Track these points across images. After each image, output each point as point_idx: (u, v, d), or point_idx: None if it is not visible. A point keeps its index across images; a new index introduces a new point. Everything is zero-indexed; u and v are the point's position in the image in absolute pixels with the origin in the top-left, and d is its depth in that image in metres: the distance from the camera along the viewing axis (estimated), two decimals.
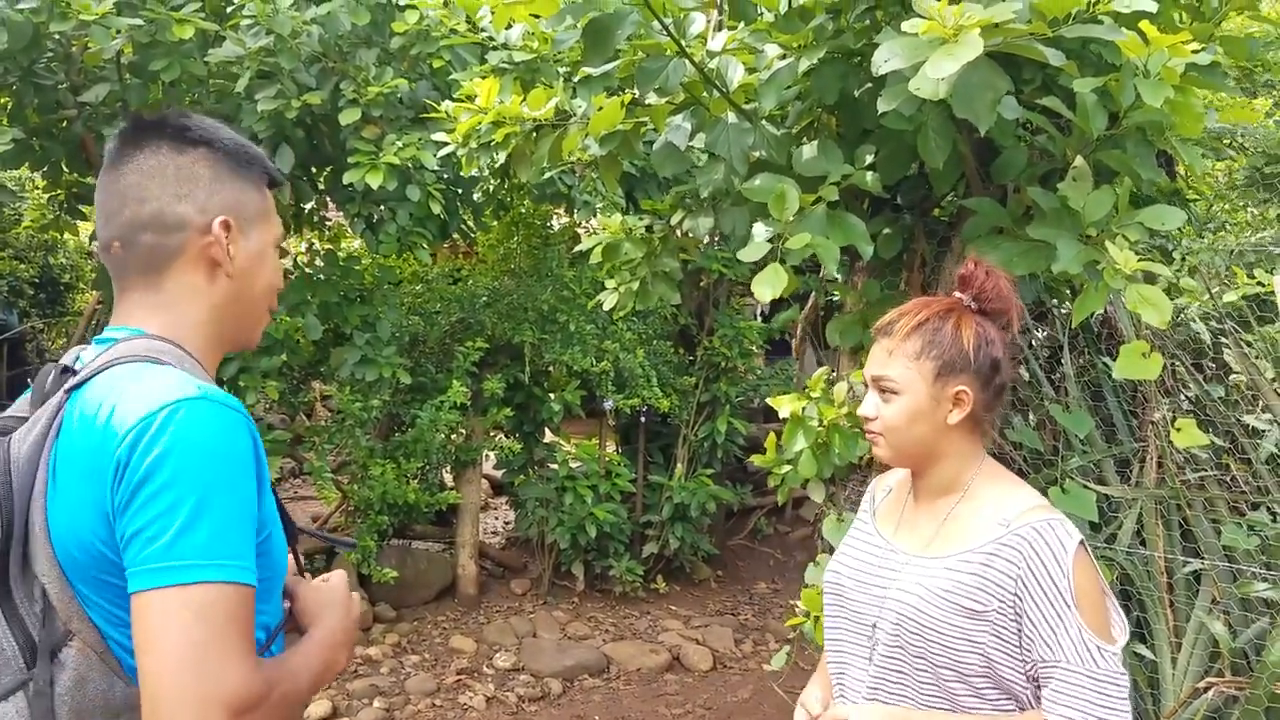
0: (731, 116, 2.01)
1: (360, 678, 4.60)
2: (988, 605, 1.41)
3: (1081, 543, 1.43)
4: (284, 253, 1.43)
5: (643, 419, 6.00)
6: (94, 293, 6.91)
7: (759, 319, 7.90)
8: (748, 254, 1.85)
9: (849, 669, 1.59)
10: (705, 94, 2.14)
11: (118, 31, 3.63)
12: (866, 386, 1.59)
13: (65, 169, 4.69)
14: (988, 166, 2.13)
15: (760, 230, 1.88)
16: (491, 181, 5.68)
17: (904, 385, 1.50)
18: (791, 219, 1.84)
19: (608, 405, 5.74)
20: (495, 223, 5.98)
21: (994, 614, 1.41)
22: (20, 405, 1.23)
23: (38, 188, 5.82)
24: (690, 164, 2.22)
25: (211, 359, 1.29)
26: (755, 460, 2.47)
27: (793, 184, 1.85)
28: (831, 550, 2.46)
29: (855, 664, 1.58)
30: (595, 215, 5.29)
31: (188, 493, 1.03)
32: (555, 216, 6.43)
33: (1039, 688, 1.42)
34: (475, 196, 5.39)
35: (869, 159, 1.89)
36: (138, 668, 1.02)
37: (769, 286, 1.79)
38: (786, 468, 2.37)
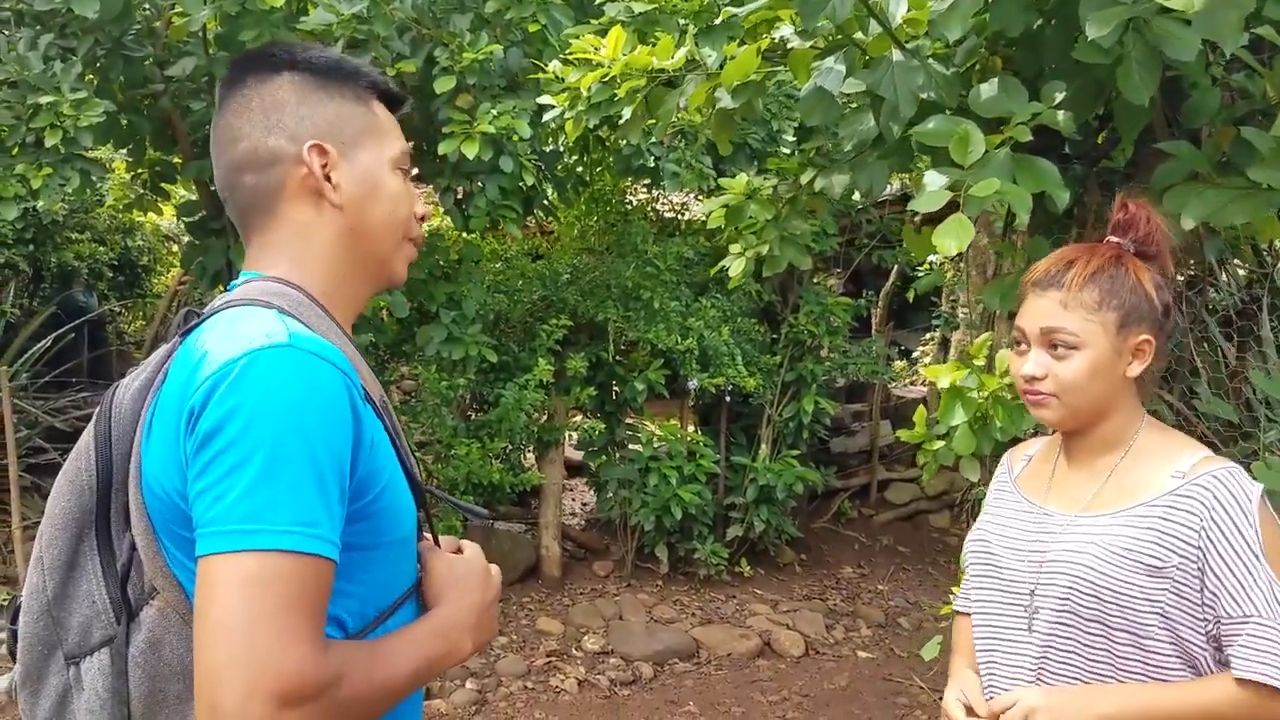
0: (897, 55, 1.84)
1: None
2: (1168, 561, 1.31)
3: (1263, 493, 1.31)
4: (411, 174, 1.24)
5: (726, 399, 5.83)
6: (174, 272, 6.94)
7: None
8: (923, 204, 1.68)
9: (1001, 643, 1.48)
10: (860, 34, 1.97)
11: (206, 1, 3.55)
12: (1021, 344, 1.45)
13: (149, 147, 4.64)
14: (1175, 110, 1.94)
15: (934, 179, 1.70)
16: (570, 156, 5.54)
17: (1086, 339, 1.38)
18: (972, 165, 1.66)
19: (692, 385, 5.58)
20: (575, 198, 5.84)
21: (1175, 569, 1.30)
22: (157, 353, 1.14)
23: (115, 169, 5.80)
24: (840, 111, 2.05)
25: (345, 300, 1.16)
26: (901, 435, 2.31)
27: (974, 125, 1.68)
28: None
29: (1010, 636, 1.46)
30: (682, 188, 5.12)
31: (256, 451, 0.91)
32: (632, 193, 6.28)
33: (1217, 649, 1.30)
34: (556, 170, 5.26)
35: (1058, 96, 1.70)
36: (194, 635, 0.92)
37: (953, 239, 1.62)
38: (938, 444, 2.20)
